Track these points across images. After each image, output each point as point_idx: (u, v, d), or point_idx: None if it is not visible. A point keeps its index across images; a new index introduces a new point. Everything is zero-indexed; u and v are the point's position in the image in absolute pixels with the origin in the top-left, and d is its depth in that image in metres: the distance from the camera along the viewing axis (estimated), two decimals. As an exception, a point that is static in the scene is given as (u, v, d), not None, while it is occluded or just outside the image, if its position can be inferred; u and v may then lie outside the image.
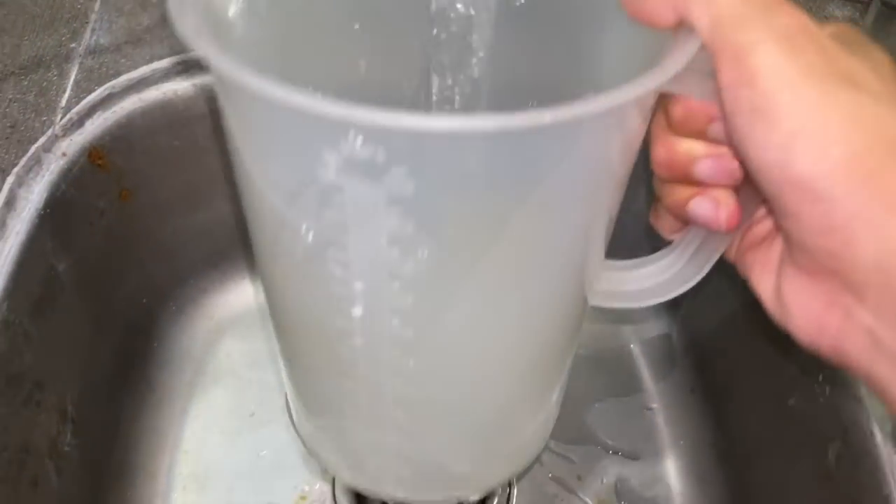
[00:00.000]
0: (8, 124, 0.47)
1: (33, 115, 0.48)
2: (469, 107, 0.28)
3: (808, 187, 0.20)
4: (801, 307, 0.23)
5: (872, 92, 0.20)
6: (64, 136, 0.48)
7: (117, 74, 0.50)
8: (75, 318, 0.50)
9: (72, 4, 0.54)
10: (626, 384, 0.62)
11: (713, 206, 0.24)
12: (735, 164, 0.23)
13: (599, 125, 0.21)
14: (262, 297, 0.65)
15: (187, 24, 0.21)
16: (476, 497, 0.38)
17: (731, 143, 0.22)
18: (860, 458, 0.39)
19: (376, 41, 0.28)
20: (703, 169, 0.24)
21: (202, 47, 0.20)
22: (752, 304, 0.51)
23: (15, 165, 0.45)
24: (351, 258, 0.23)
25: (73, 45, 0.52)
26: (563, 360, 0.32)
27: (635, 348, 0.63)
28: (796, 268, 0.23)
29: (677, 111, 0.23)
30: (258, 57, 0.24)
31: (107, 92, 0.50)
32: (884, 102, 0.20)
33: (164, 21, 0.53)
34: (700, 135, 0.23)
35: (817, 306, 0.22)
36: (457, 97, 0.27)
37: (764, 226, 0.25)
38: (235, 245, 0.63)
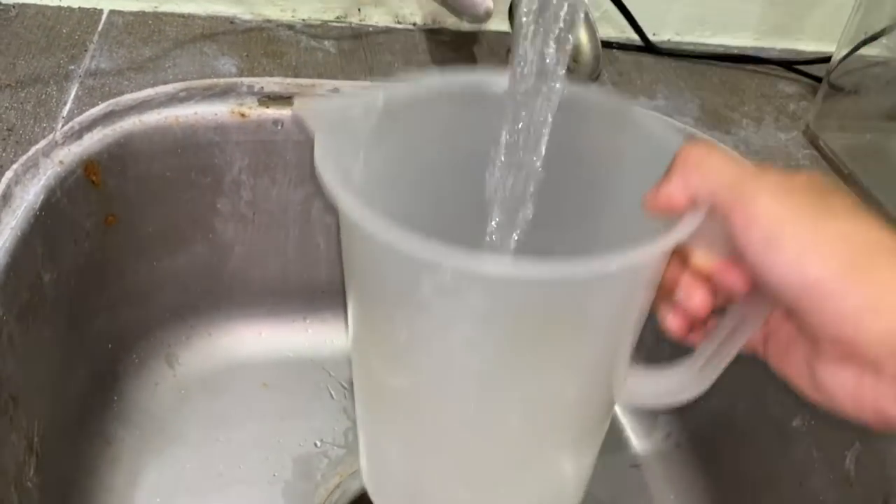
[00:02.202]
0: (5, 128, 0.45)
1: (32, 121, 0.46)
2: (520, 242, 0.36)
3: (821, 288, 0.26)
4: (838, 388, 0.28)
5: (845, 216, 0.27)
6: (63, 144, 0.46)
7: (120, 94, 0.49)
8: (51, 340, 0.46)
9: (69, 35, 0.54)
10: (611, 443, 0.61)
11: (679, 319, 0.32)
12: (697, 302, 0.31)
13: (636, 271, 0.29)
14: (228, 354, 0.62)
15: (334, 180, 0.28)
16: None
17: (751, 270, 0.28)
18: (886, 453, 0.40)
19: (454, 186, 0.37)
20: (679, 294, 0.31)
21: (347, 200, 0.27)
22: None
23: (13, 163, 0.43)
24: (433, 351, 0.31)
25: (72, 67, 0.51)
26: (588, 450, 0.38)
27: (617, 406, 0.62)
28: (823, 358, 0.28)
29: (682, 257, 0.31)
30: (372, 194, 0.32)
31: (109, 108, 0.49)
32: (855, 221, 0.27)
33: (166, 54, 0.54)
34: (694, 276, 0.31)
35: (850, 384, 0.27)
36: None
37: (785, 332, 0.31)
38: (207, 297, 0.61)
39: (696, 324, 0.32)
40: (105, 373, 0.55)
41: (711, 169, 0.28)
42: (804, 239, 0.26)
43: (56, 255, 0.46)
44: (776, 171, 0.28)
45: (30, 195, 0.43)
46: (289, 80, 0.54)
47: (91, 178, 0.48)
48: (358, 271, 0.33)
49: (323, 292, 0.63)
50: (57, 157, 0.46)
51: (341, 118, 0.33)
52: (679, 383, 0.34)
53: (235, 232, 0.58)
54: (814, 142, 0.57)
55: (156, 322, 0.59)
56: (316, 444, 0.58)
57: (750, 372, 0.51)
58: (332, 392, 0.62)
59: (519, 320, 0.30)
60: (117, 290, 0.54)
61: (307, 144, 0.55)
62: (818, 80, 0.62)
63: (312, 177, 0.57)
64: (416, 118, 0.35)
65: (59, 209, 0.45)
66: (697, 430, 0.58)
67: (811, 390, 0.29)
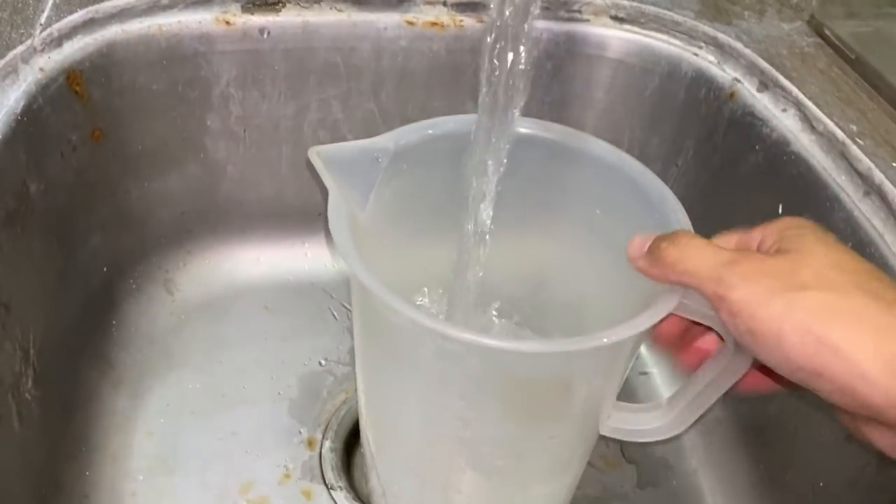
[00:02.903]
0: (-20, 35, 0.44)
1: (9, 28, 0.45)
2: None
3: (808, 370, 0.26)
4: (880, 440, 0.28)
5: (813, 285, 0.26)
6: (43, 51, 0.45)
7: (100, 1, 0.48)
8: (43, 254, 0.45)
9: (44, -52, 0.52)
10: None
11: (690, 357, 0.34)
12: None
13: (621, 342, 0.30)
14: (227, 279, 0.61)
15: (352, 256, 0.31)
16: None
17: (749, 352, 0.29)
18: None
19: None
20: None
21: (361, 272, 0.30)
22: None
23: (-9, 68, 0.42)
24: (432, 401, 0.36)
25: (49, -24, 0.49)
26: (570, 474, 0.41)
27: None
28: (858, 417, 0.28)
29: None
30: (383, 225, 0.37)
31: (90, 15, 0.47)
32: (824, 286, 0.27)
33: (146, -37, 0.52)
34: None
35: (891, 439, 0.27)
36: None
37: None
38: (202, 221, 0.59)
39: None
40: (102, 296, 0.54)
41: (689, 267, 0.29)
42: (777, 322, 0.26)
43: (42, 166, 0.44)
44: (748, 258, 0.29)
45: (10, 100, 0.42)
46: (274, -16, 0.52)
47: (74, 88, 0.46)
48: (366, 321, 0.36)
49: (320, 214, 0.61)
50: (37, 64, 0.44)
51: (354, 162, 0.36)
52: (657, 423, 0.36)
53: (227, 151, 0.57)
54: (819, 30, 0.55)
55: (151, 246, 0.58)
56: (321, 363, 0.57)
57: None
58: (335, 313, 0.61)
59: (510, 381, 0.33)
60: (109, 211, 0.53)
61: (295, 53, 0.54)
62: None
63: (303, 90, 0.56)
64: (424, 158, 0.38)
65: (41, 117, 0.44)
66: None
67: (859, 436, 0.29)
